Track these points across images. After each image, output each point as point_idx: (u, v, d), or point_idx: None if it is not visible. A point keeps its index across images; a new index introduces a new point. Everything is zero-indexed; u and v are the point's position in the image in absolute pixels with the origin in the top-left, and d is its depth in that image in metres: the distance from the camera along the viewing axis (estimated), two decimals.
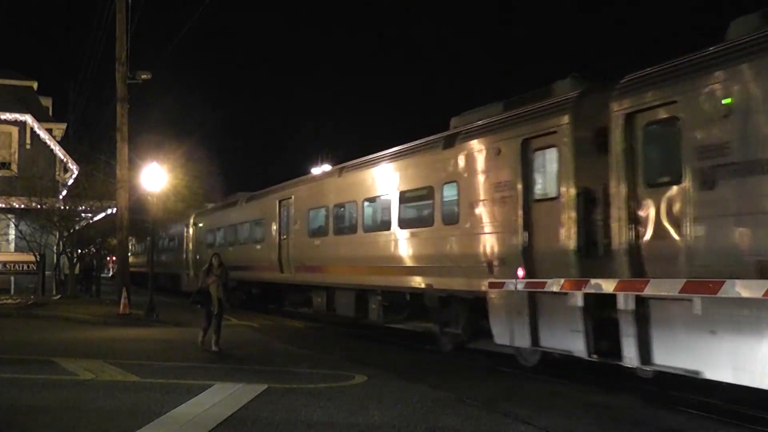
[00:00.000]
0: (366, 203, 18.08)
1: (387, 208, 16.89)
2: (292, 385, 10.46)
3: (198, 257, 32.60)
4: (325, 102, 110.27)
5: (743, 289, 8.35)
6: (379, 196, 17.39)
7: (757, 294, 8.16)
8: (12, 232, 29.91)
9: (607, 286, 10.23)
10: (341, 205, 19.38)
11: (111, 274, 58.79)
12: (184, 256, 35.62)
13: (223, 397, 9.38)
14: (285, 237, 22.53)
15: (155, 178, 23.17)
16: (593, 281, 10.49)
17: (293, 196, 22.52)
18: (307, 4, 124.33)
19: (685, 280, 9.07)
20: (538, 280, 11.64)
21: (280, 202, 23.45)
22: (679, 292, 9.08)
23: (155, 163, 23.64)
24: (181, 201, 33.46)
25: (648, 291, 9.55)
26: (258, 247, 25.19)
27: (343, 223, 19.26)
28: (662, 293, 9.35)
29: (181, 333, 18.39)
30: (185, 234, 35.75)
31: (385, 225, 16.86)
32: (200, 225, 33.52)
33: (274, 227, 23.49)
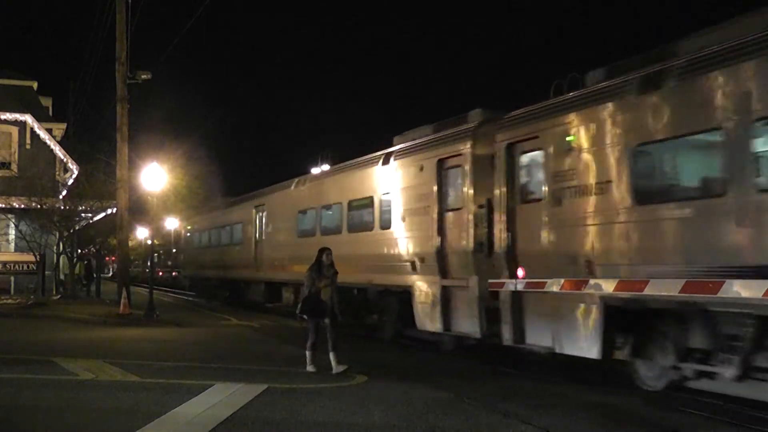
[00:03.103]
0: None
1: None
2: (292, 385, 10.45)
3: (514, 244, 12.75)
4: (326, 102, 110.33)
5: (742, 288, 8.37)
6: None
7: (757, 294, 8.18)
8: (12, 232, 29.89)
9: (608, 286, 10.26)
10: None
11: (111, 274, 58.72)
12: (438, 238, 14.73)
13: (223, 397, 9.37)
14: None
15: (155, 178, 23.18)
16: (593, 281, 10.53)
17: None
18: (309, 4, 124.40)
19: (685, 280, 9.08)
20: (538, 280, 11.66)
21: None
22: (679, 293, 9.12)
23: (155, 163, 23.66)
24: (181, 201, 33.40)
25: (648, 291, 9.59)
26: None
27: None
28: (662, 293, 9.39)
29: (181, 333, 18.41)
30: (402, 193, 16.08)
31: None
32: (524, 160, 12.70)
33: None
